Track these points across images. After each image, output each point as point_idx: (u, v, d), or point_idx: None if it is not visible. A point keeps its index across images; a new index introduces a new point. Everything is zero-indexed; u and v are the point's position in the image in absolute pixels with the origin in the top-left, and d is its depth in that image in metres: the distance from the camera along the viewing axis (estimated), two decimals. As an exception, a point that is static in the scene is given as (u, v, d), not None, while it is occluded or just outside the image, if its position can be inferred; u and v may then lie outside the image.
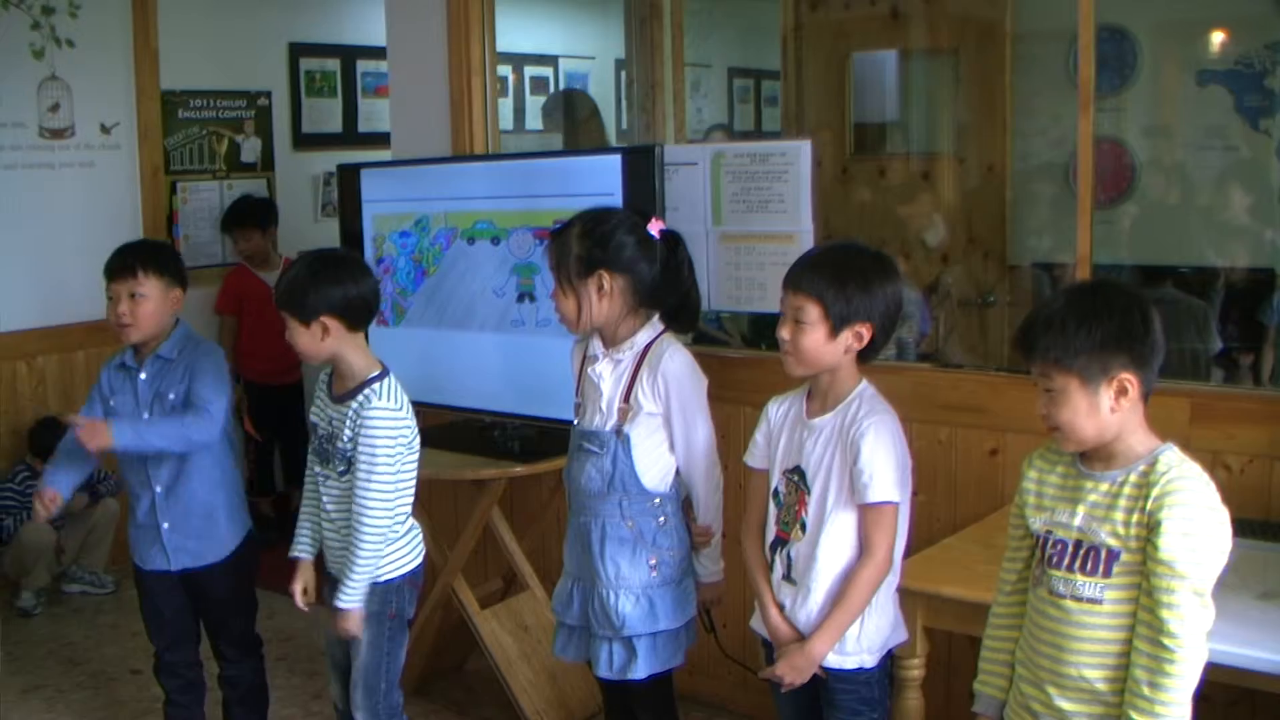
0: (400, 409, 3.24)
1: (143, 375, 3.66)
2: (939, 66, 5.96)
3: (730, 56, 7.33)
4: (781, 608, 2.83)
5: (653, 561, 3.09)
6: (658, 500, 3.10)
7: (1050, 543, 2.38)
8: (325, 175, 6.85)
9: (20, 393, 5.68)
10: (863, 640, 2.79)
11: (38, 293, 5.71)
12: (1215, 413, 3.27)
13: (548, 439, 3.97)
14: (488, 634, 4.11)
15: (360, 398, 3.22)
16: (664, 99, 5.63)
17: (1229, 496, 2.31)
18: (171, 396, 3.62)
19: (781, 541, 2.84)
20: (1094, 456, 2.35)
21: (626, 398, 3.08)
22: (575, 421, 3.23)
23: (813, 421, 2.80)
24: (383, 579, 3.29)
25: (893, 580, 2.81)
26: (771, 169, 3.84)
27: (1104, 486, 2.32)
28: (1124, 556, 2.27)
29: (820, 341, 2.72)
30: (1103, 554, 2.30)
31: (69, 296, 5.75)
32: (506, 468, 3.99)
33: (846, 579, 2.73)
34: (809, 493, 2.78)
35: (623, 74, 6.45)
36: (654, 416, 3.08)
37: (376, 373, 3.26)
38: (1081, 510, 2.34)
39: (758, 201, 3.87)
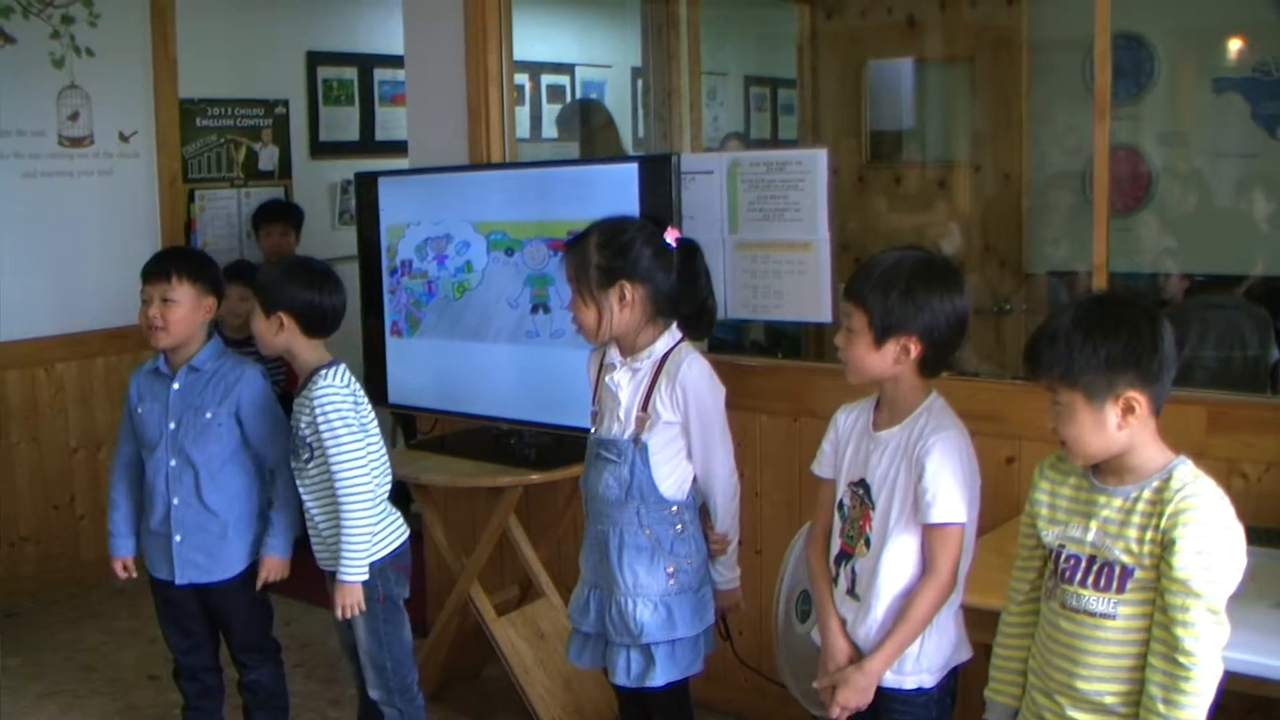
0: (347, 387, 3.43)
1: (175, 385, 3.68)
2: (955, 75, 5.96)
3: (746, 65, 7.33)
4: (844, 623, 2.75)
5: (670, 569, 3.09)
6: (675, 508, 3.10)
7: (1063, 557, 2.37)
8: (343, 183, 6.88)
9: (40, 400, 5.70)
10: (922, 660, 2.70)
11: (57, 300, 5.74)
12: (1232, 421, 3.26)
13: (564, 446, 3.98)
14: (504, 641, 4.12)
15: (310, 383, 3.43)
16: (680, 107, 5.64)
17: (1246, 505, 2.31)
18: (209, 415, 3.65)
19: (846, 555, 2.76)
20: (1106, 470, 2.34)
21: (645, 406, 3.08)
22: (592, 430, 3.23)
23: (879, 435, 2.71)
24: None
25: (955, 599, 2.71)
26: (788, 177, 3.85)
27: (1117, 502, 2.31)
28: (1138, 574, 2.27)
29: (864, 351, 2.64)
30: (1116, 570, 2.29)
31: (88, 304, 5.78)
32: (523, 475, 3.99)
33: (909, 597, 2.65)
34: (873, 508, 2.70)
35: (639, 82, 6.47)
36: (672, 425, 3.08)
37: (326, 362, 3.47)
38: (1094, 526, 2.33)
39: (774, 210, 3.88)
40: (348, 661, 3.71)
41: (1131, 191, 5.26)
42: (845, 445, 2.81)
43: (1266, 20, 5.05)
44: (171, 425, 3.67)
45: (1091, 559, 2.33)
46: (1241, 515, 2.27)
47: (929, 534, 2.64)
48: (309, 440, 3.42)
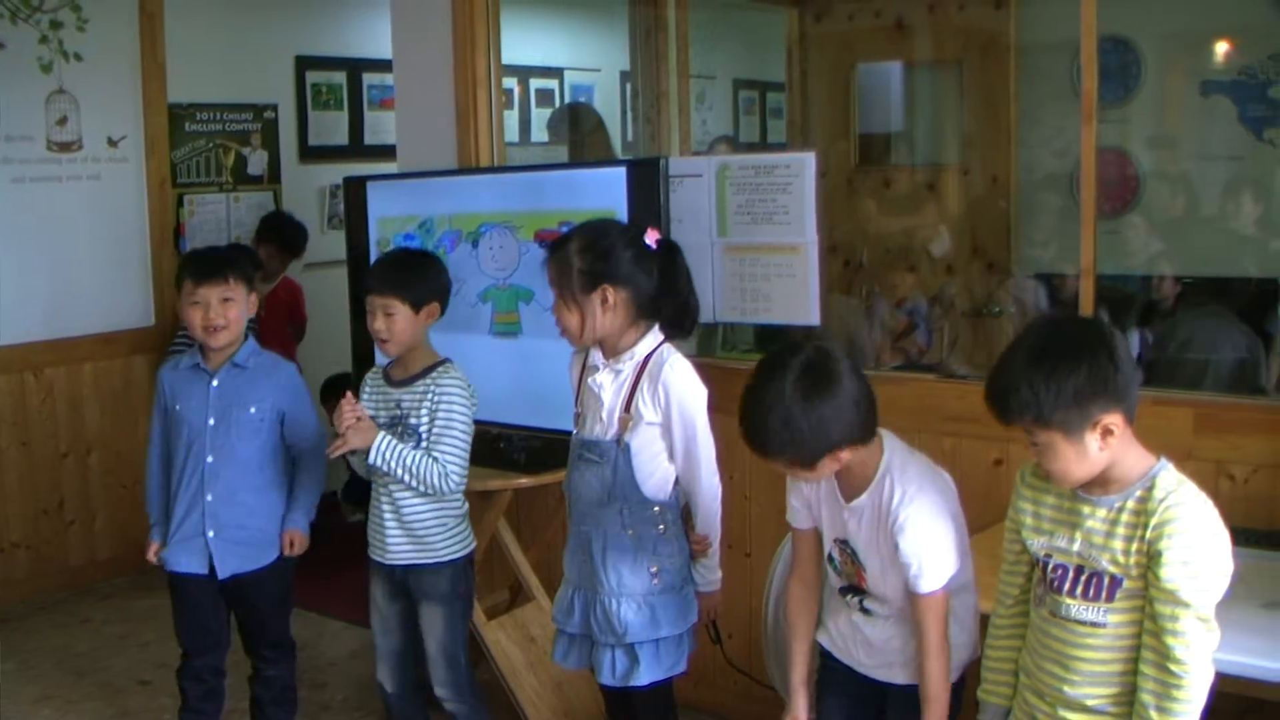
0: (469, 386, 3.52)
1: (215, 382, 3.70)
2: (943, 77, 5.98)
3: (735, 68, 7.34)
4: (855, 631, 2.77)
5: (654, 569, 3.10)
6: (658, 509, 3.11)
7: (1050, 566, 2.37)
8: (332, 187, 6.87)
9: (29, 405, 5.69)
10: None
11: (45, 305, 5.73)
12: (1219, 422, 3.27)
13: (553, 450, 3.97)
14: (494, 644, 4.12)
15: (434, 374, 3.50)
16: (669, 111, 5.64)
17: (1233, 506, 2.31)
18: (253, 410, 3.69)
19: (852, 589, 2.76)
20: (1090, 481, 2.31)
21: (627, 407, 3.08)
22: (575, 431, 3.24)
23: (850, 505, 2.69)
24: (448, 558, 3.57)
25: (971, 598, 2.73)
26: (776, 181, 3.86)
27: (1101, 512, 2.30)
28: (1126, 583, 2.26)
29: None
30: (1105, 580, 2.29)
31: (76, 309, 5.78)
32: (512, 479, 4.00)
33: (919, 678, 2.63)
34: (864, 569, 2.70)
35: (628, 86, 6.47)
36: (654, 426, 3.08)
37: (441, 358, 3.56)
38: (1079, 536, 2.32)
39: (763, 213, 3.88)
40: (382, 664, 3.71)
41: (1119, 194, 5.27)
42: (817, 506, 2.79)
43: (1253, 23, 5.06)
44: (211, 421, 3.69)
45: (1079, 569, 2.32)
46: (1230, 517, 2.28)
47: (915, 601, 2.62)
48: (420, 429, 3.47)
